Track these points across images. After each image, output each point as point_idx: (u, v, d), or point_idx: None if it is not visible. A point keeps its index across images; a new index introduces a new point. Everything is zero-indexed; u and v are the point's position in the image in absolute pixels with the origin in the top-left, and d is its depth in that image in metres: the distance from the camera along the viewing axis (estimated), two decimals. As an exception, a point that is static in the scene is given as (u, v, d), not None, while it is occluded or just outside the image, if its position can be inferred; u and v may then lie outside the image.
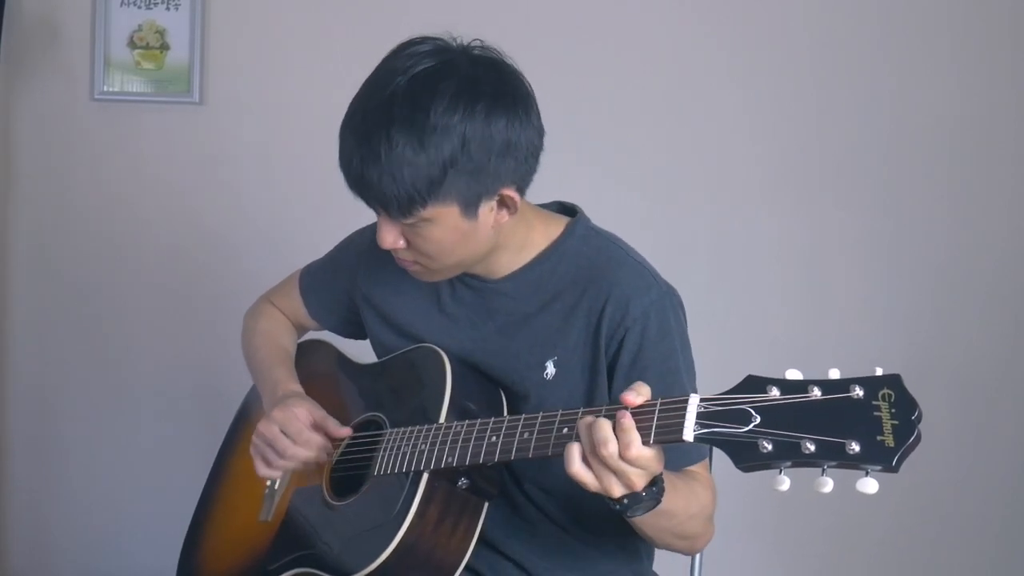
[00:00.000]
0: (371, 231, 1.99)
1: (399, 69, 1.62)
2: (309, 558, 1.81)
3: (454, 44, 1.67)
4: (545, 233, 1.80)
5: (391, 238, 1.69)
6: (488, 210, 1.67)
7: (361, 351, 2.05)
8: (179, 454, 3.07)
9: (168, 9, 3.03)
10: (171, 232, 3.14)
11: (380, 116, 1.60)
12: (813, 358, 2.99)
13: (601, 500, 1.48)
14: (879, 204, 3.09)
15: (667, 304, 1.74)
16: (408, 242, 1.70)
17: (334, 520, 1.82)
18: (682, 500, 1.61)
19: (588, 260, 1.77)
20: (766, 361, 2.98)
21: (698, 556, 2.15)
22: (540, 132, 1.69)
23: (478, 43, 1.68)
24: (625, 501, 1.48)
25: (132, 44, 3.04)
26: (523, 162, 1.66)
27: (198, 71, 3.05)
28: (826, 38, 3.07)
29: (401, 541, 1.65)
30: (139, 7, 3.03)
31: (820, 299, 3.12)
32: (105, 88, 3.06)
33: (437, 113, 1.58)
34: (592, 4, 3.08)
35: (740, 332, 3.08)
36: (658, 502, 1.51)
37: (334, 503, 1.83)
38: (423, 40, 1.66)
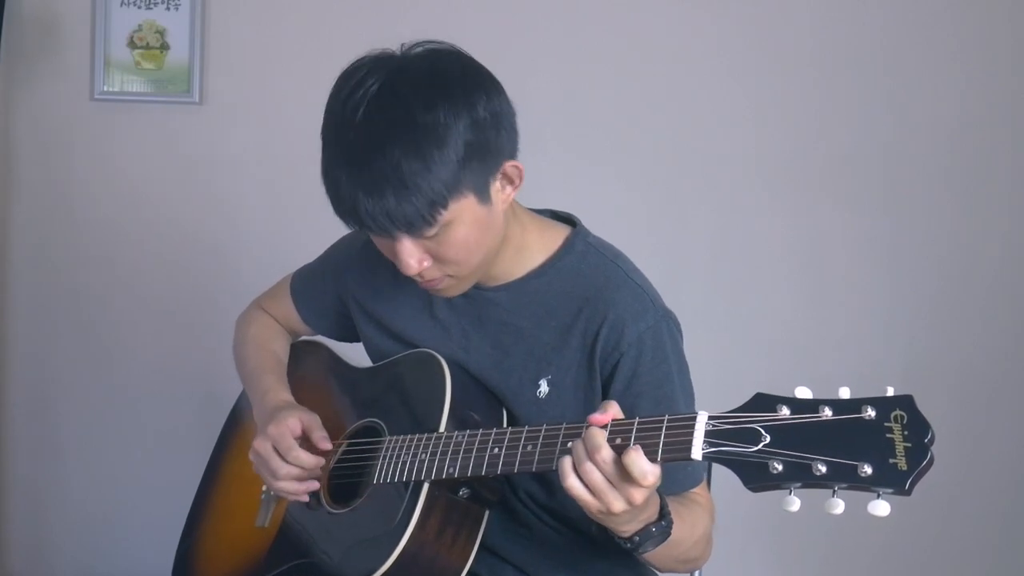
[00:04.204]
0: (362, 233, 1.97)
1: (355, 96, 1.58)
2: (307, 566, 1.80)
3: (393, 52, 1.63)
4: (541, 240, 1.78)
5: (416, 260, 1.63)
6: (497, 189, 1.65)
7: (356, 355, 2.03)
8: (179, 454, 3.05)
9: (168, 9, 3.02)
10: (171, 232, 3.14)
11: (367, 142, 1.56)
12: (813, 360, 3.01)
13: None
14: (880, 205, 3.08)
15: (663, 329, 1.71)
16: (433, 257, 1.65)
17: (333, 528, 1.80)
18: (687, 528, 1.61)
19: (586, 279, 1.74)
20: (766, 363, 3.01)
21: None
22: (508, 98, 1.66)
23: (410, 43, 1.65)
24: (636, 539, 1.48)
25: (132, 44, 3.03)
26: (512, 130, 1.65)
27: (198, 71, 3.04)
28: (827, 38, 3.06)
29: (402, 552, 1.63)
30: (139, 7, 3.02)
31: (821, 300, 3.11)
32: (105, 88, 3.04)
33: (421, 113, 1.55)
34: (592, 4, 3.07)
35: (740, 333, 3.08)
36: (668, 535, 1.51)
37: (333, 510, 1.80)
38: (360, 63, 1.62)
